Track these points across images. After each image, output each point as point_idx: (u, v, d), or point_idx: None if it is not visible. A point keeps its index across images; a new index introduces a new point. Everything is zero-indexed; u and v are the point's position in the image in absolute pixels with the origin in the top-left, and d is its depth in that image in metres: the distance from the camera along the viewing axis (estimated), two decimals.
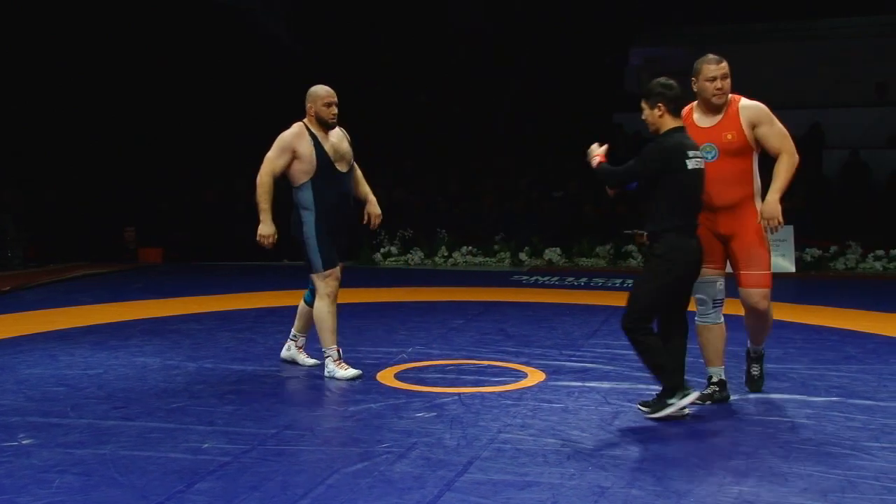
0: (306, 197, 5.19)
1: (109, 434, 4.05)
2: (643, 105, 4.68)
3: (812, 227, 12.67)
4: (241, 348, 6.15)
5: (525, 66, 17.02)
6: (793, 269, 11.66)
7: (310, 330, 5.51)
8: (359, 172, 5.51)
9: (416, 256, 12.82)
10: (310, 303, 5.39)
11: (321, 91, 5.21)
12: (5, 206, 12.70)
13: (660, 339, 4.37)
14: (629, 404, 4.61)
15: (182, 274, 11.41)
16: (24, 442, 3.93)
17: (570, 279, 10.96)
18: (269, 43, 16.98)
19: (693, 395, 4.33)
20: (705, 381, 4.73)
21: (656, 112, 4.56)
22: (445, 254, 12.86)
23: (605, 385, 5.07)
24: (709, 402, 4.60)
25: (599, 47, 17.88)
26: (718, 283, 4.73)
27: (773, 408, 4.57)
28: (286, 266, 12.75)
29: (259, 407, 4.58)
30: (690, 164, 4.37)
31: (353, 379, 5.12)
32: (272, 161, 5.16)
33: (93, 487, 3.38)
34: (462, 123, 15.93)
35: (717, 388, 4.69)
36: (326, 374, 5.20)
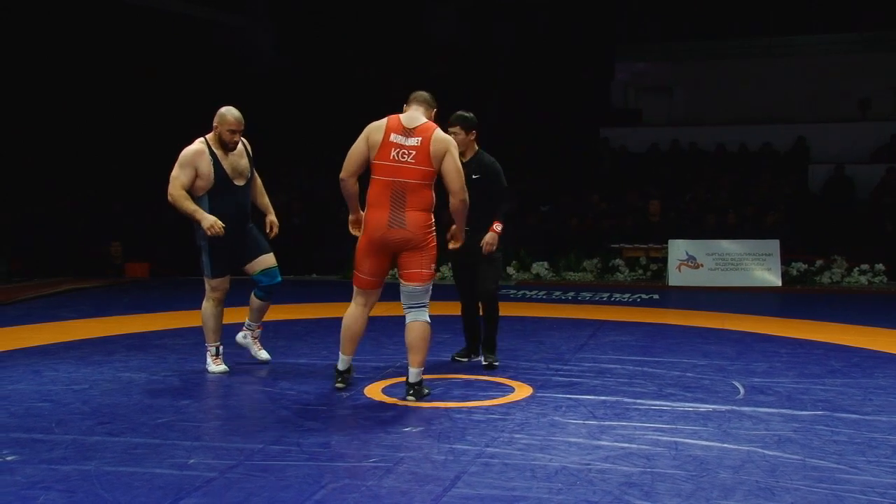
0: (203, 208, 5.54)
1: (94, 450, 4.02)
2: (460, 130, 5.77)
3: (797, 241, 12.77)
4: (227, 363, 6.11)
5: (507, 79, 17.11)
6: (778, 283, 11.74)
7: (261, 320, 6.14)
8: (259, 185, 5.95)
9: None
10: (259, 297, 5.99)
11: (230, 117, 5.57)
12: None
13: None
14: (616, 418, 4.62)
15: (168, 289, 11.36)
16: (7, 458, 3.90)
17: (558, 293, 10.98)
18: (256, 57, 17.02)
19: None
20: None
21: (471, 137, 5.83)
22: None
23: (593, 399, 5.07)
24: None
25: (582, 62, 17.99)
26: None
27: (760, 422, 4.58)
28: None
29: (245, 422, 4.56)
30: None
31: (221, 373, 5.71)
32: (177, 179, 5.54)
33: None
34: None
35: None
36: (206, 366, 5.81)
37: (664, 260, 12.30)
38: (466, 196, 5.05)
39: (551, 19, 18.23)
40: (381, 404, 4.94)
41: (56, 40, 14.61)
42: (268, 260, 5.91)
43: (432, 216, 5.07)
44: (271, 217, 6.01)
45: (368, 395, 5.16)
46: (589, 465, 3.83)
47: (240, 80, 16.29)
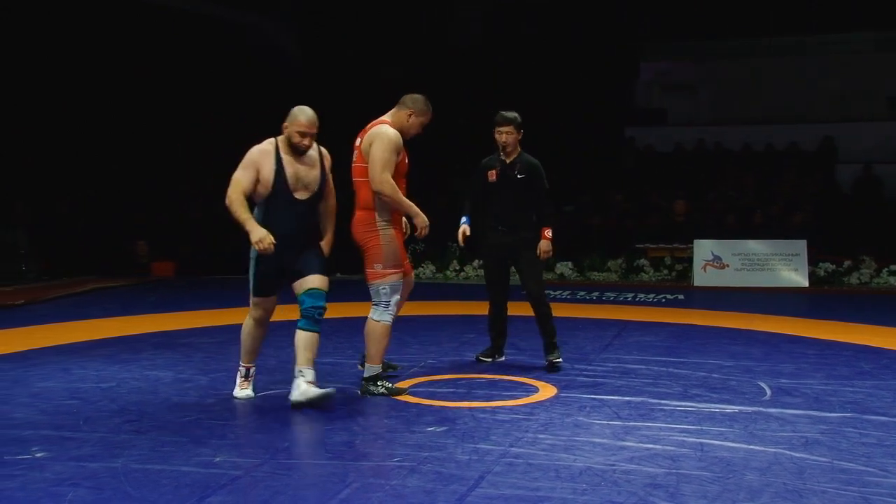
0: (257, 217, 4.87)
1: (122, 447, 4.06)
2: (513, 129, 5.79)
3: (825, 241, 12.63)
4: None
5: (532, 79, 17.06)
6: (806, 283, 11.62)
7: (312, 361, 5.09)
8: (329, 205, 5.15)
9: (427, 270, 12.83)
10: (300, 325, 5.00)
11: (301, 117, 4.88)
12: (18, 219, 12.78)
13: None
14: (641, 419, 4.60)
15: (194, 287, 11.45)
16: (37, 455, 3.94)
17: (582, 293, 10.95)
18: (278, 57, 17.09)
19: None
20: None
21: (520, 136, 5.74)
22: (457, 268, 12.87)
23: (618, 399, 5.05)
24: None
25: (608, 61, 17.89)
26: None
27: (787, 423, 4.54)
28: None
29: (270, 420, 4.58)
30: None
31: (246, 399, 5.07)
32: (238, 181, 4.81)
33: (105, 501, 3.38)
34: (468, 138, 16.01)
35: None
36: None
37: (689, 260, 12.22)
38: (382, 188, 4.98)
39: (576, 19, 18.16)
40: (406, 404, 4.94)
41: (89, 42, 14.77)
42: (313, 280, 4.94)
43: (375, 214, 5.09)
44: (323, 243, 5.18)
45: (396, 397, 5.16)
46: (613, 465, 3.82)
47: (263, 79, 16.38)
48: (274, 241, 4.75)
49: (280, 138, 4.92)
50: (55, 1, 14.21)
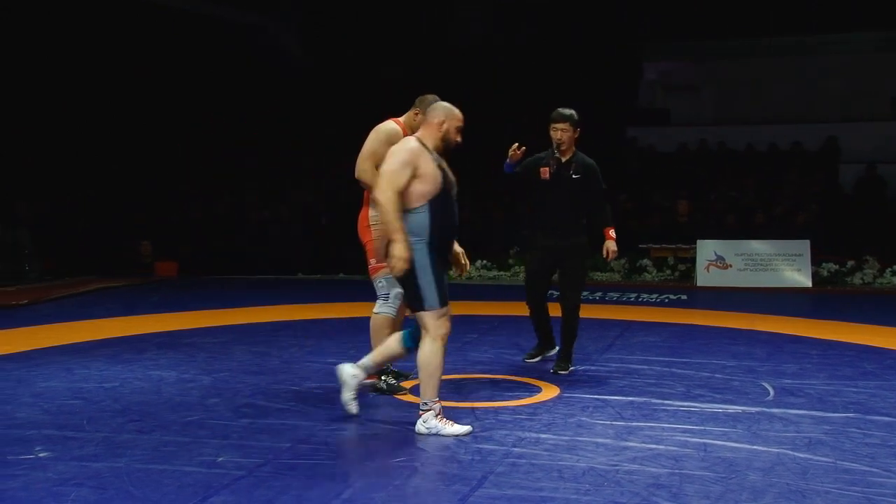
0: (420, 221, 4.32)
1: (125, 447, 4.06)
2: (569, 127, 5.60)
3: (828, 241, 12.61)
4: (256, 362, 6.16)
5: (534, 79, 17.06)
6: (809, 283, 11.60)
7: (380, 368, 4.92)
8: None
9: None
10: (403, 341, 4.55)
11: (458, 112, 4.54)
12: (21, 219, 12.80)
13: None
14: (644, 419, 4.59)
15: (197, 288, 11.46)
16: (40, 455, 3.95)
17: (585, 293, 10.91)
18: (280, 57, 17.11)
19: None
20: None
21: (576, 135, 5.56)
22: None
23: (621, 399, 5.05)
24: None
25: (609, 61, 17.87)
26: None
27: (790, 424, 4.53)
28: (301, 280, 12.82)
29: (273, 420, 4.59)
30: None
31: (463, 435, 4.27)
32: (396, 176, 4.29)
33: (108, 501, 3.39)
34: (468, 138, 16.01)
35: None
36: (425, 429, 4.29)
37: (692, 260, 12.21)
38: (360, 177, 5.02)
39: (577, 19, 18.15)
40: (409, 404, 4.94)
41: (93, 42, 14.80)
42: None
43: (370, 210, 5.13)
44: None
45: (396, 395, 5.16)
46: (616, 466, 3.81)
47: (265, 80, 16.40)
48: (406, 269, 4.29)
49: (420, 135, 4.50)
50: (55, 1, 14.24)
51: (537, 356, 6.19)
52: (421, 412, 4.32)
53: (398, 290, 5.06)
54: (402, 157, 4.34)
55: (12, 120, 13.83)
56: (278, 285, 11.74)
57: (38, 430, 4.37)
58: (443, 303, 4.33)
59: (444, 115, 4.49)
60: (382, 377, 5.20)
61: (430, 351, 4.30)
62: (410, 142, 4.45)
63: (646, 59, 19.20)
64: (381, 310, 5.16)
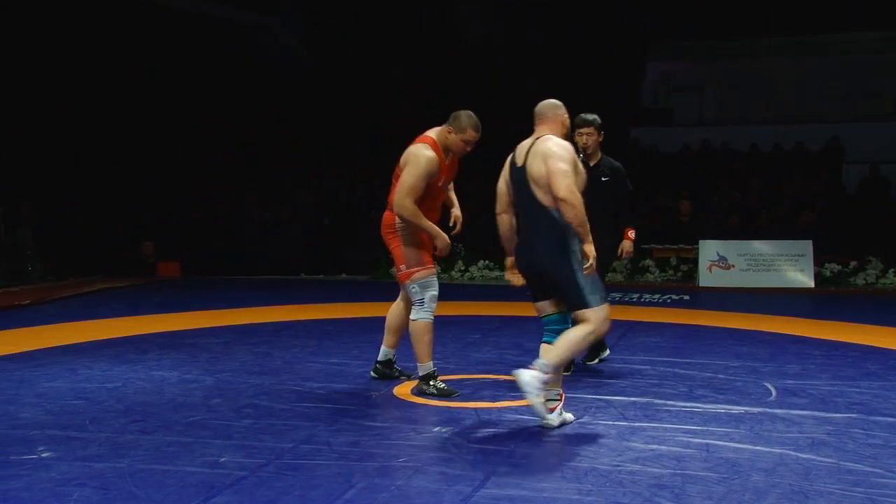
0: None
1: (128, 447, 4.07)
2: (593, 131, 5.59)
3: (831, 242, 12.60)
4: (259, 362, 6.16)
5: (538, 78, 17.06)
6: (812, 284, 11.59)
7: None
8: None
9: None
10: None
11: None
12: (24, 220, 12.82)
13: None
14: (647, 419, 4.59)
15: (200, 288, 11.47)
16: (43, 455, 3.95)
17: None
18: (281, 57, 17.12)
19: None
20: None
21: (601, 138, 5.60)
22: (462, 268, 12.86)
23: (623, 400, 5.04)
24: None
25: (610, 61, 17.87)
26: None
27: (793, 424, 4.52)
28: (303, 280, 12.83)
29: (276, 421, 4.59)
30: None
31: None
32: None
33: (111, 501, 3.39)
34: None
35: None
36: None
37: (695, 260, 12.20)
38: (401, 212, 4.99)
39: (578, 19, 18.15)
40: (412, 404, 4.94)
41: (95, 44, 14.83)
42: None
43: (395, 217, 5.12)
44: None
45: (398, 395, 5.17)
46: (619, 466, 3.81)
47: (266, 80, 16.41)
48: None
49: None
50: (55, 1, 14.26)
51: (594, 359, 6.17)
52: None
53: (433, 292, 5.12)
54: (569, 157, 4.40)
55: (14, 120, 13.84)
56: (281, 286, 11.75)
57: (41, 430, 4.37)
58: (604, 298, 4.51)
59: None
60: (431, 382, 5.13)
61: (585, 333, 4.42)
62: (566, 143, 4.49)
63: (649, 59, 19.20)
64: (420, 316, 5.13)
